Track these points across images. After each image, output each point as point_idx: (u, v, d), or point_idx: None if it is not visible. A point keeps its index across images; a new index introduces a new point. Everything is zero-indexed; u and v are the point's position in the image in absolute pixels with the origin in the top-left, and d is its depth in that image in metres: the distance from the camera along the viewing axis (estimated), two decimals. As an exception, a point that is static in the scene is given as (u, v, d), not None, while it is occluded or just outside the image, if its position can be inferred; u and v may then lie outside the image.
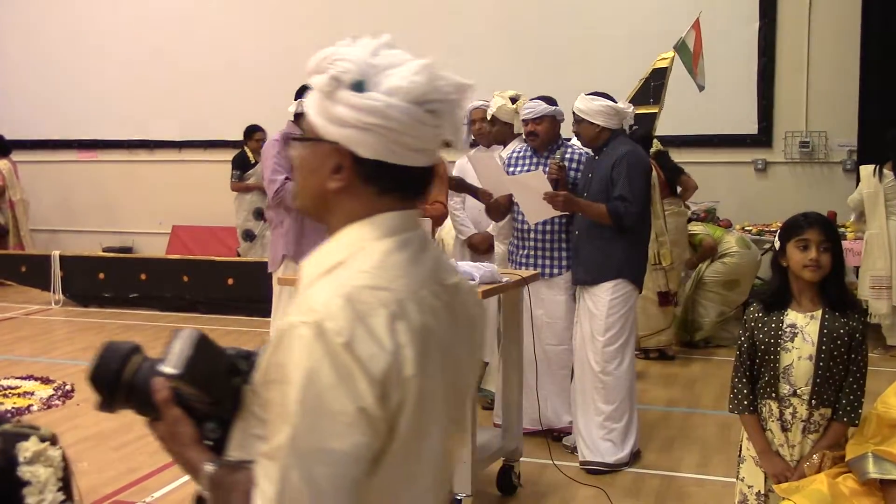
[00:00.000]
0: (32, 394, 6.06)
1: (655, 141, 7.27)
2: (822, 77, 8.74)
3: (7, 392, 6.10)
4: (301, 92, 5.36)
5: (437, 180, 5.00)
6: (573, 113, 4.91)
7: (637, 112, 7.09)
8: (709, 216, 7.94)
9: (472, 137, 6.01)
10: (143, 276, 9.19)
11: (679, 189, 7.32)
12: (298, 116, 5.35)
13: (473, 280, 3.92)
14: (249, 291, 8.36)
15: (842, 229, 7.86)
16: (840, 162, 8.77)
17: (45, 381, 6.41)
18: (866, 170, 7.11)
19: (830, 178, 8.85)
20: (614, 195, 4.70)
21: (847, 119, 8.49)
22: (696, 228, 7.52)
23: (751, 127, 8.92)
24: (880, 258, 7.06)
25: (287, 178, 5.26)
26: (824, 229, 3.01)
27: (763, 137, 8.95)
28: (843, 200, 8.58)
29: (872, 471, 2.74)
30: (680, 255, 7.21)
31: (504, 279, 4.13)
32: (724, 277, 7.47)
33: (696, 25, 7.30)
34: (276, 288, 5.34)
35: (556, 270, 5.06)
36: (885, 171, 6.99)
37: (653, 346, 7.16)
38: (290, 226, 5.35)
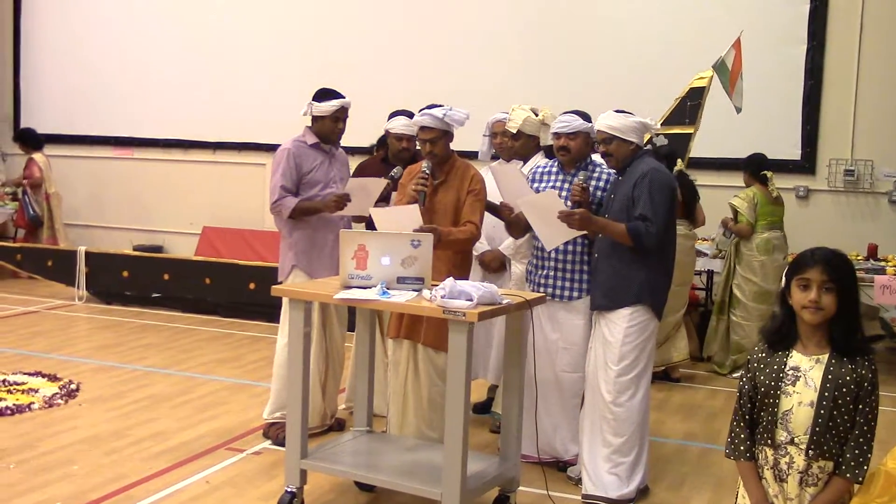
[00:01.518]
0: (37, 391, 5.98)
1: (679, 160, 7.02)
2: (871, 104, 8.42)
3: (11, 388, 6.02)
4: (315, 95, 5.23)
5: (470, 198, 4.73)
6: (600, 132, 4.66)
7: (672, 132, 6.90)
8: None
9: (493, 150, 5.83)
10: (166, 276, 9.14)
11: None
12: (316, 120, 5.22)
13: (471, 300, 3.73)
14: (271, 297, 8.17)
15: (882, 263, 7.54)
16: (886, 193, 8.43)
17: (53, 378, 6.34)
18: None
19: (875, 209, 8.52)
20: (635, 214, 4.47)
21: (895, 148, 8.16)
22: (741, 207, 7.26)
23: (794, 152, 8.62)
24: None
25: (286, 192, 5.13)
26: (829, 268, 2.76)
27: (806, 164, 8.65)
28: (886, 232, 8.29)
29: None
30: (682, 277, 6.95)
31: (505, 300, 3.92)
32: (753, 289, 7.21)
33: (737, 45, 7.06)
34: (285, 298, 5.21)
35: (575, 294, 4.84)
36: None
37: (678, 360, 6.94)
38: (298, 238, 5.24)
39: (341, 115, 5.24)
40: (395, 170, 4.75)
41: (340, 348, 5.47)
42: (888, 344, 7.69)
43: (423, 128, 4.68)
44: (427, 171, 4.67)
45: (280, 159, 5.20)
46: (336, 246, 5.23)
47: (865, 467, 2.72)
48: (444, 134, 4.69)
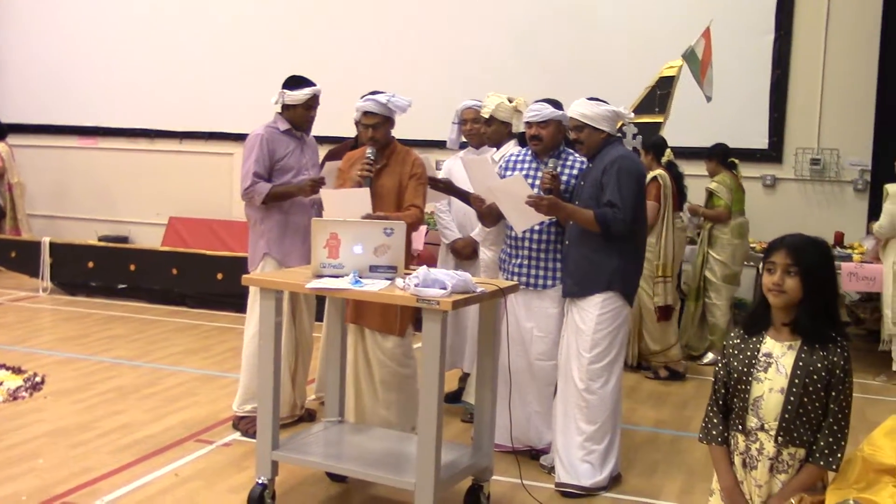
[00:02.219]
0: (1, 384, 5.87)
1: (669, 150, 7.05)
2: (837, 94, 8.49)
3: (-26, 381, 5.91)
4: (285, 83, 5.18)
5: (413, 182, 4.80)
6: (572, 119, 4.65)
7: (642, 121, 6.90)
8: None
9: (463, 138, 5.80)
10: (132, 267, 9.03)
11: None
12: (287, 108, 5.17)
13: (445, 289, 3.70)
14: (239, 287, 8.10)
15: (848, 250, 7.61)
16: (851, 181, 8.51)
17: (17, 370, 6.23)
18: (893, 188, 6.81)
19: (841, 197, 8.60)
20: (603, 201, 4.46)
21: (860, 138, 8.25)
22: (721, 191, 7.30)
23: (761, 141, 8.68)
24: None
25: (259, 178, 5.07)
26: (793, 252, 2.76)
27: (773, 153, 8.71)
28: (852, 220, 8.36)
29: None
30: (676, 269, 7.07)
31: (479, 289, 3.90)
32: (725, 271, 7.29)
33: (707, 34, 7.07)
34: (252, 287, 5.16)
35: (549, 282, 4.82)
36: None
37: (660, 362, 6.93)
38: (269, 225, 5.18)
39: (313, 102, 5.21)
40: (369, 150, 4.71)
41: (309, 338, 5.43)
42: (854, 331, 7.76)
43: (365, 113, 4.72)
44: (371, 157, 4.70)
45: (253, 145, 5.13)
46: (307, 233, 5.20)
47: (839, 455, 2.72)
48: (386, 120, 4.74)
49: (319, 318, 5.52)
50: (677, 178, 7.07)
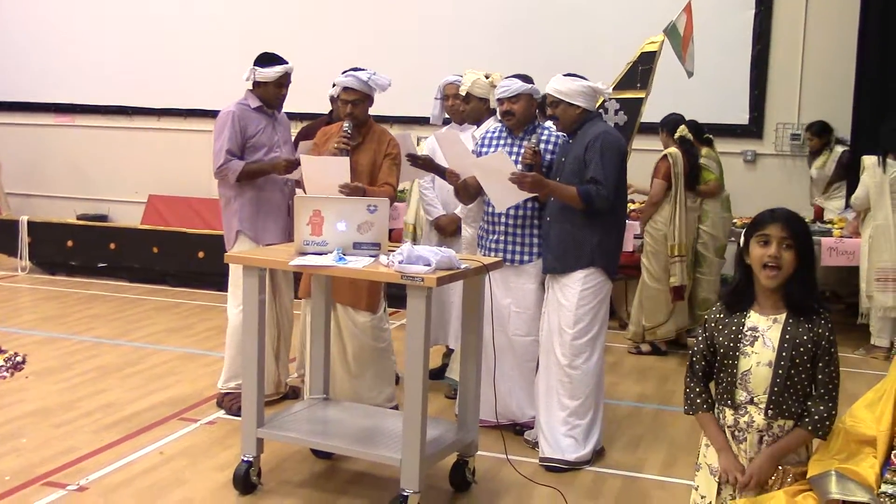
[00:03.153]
0: (-19, 364, 5.84)
1: (683, 126, 7.05)
2: (817, 69, 8.51)
3: (-46, 361, 5.87)
4: (256, 60, 5.14)
5: (387, 161, 4.82)
6: (548, 95, 4.65)
7: (623, 97, 6.88)
8: None
9: (446, 115, 5.78)
10: (112, 246, 8.98)
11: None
12: (259, 85, 5.13)
13: (429, 265, 3.70)
14: (220, 265, 8.05)
15: (828, 226, 7.66)
16: (831, 157, 8.53)
17: (-3, 351, 6.20)
18: (870, 160, 6.88)
19: (820, 173, 8.61)
20: (586, 177, 4.47)
21: (840, 113, 8.25)
22: (711, 166, 7.33)
23: (741, 117, 8.69)
24: (886, 250, 6.85)
25: (232, 156, 5.04)
26: (789, 225, 2.76)
27: (754, 128, 8.72)
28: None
29: (835, 491, 2.52)
30: (712, 242, 7.14)
31: (463, 265, 3.90)
32: (716, 244, 7.32)
33: (688, 9, 7.04)
34: (231, 265, 5.14)
35: (526, 258, 4.83)
36: (889, 160, 6.77)
37: (662, 335, 7.00)
38: (243, 203, 5.17)
39: (284, 80, 5.19)
40: (346, 124, 4.71)
41: (290, 315, 5.43)
42: (836, 306, 7.82)
43: (346, 89, 4.74)
44: (349, 130, 4.72)
45: (224, 122, 5.10)
46: (281, 211, 5.21)
47: (829, 423, 2.74)
48: (365, 97, 4.78)
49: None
50: (691, 156, 7.04)
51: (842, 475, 2.56)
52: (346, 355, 4.79)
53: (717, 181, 7.30)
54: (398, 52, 9.22)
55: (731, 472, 2.82)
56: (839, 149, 8.11)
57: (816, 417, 2.75)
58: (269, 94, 5.17)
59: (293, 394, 5.48)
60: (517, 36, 9.12)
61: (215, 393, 5.38)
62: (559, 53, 8.52)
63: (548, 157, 4.78)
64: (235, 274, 5.12)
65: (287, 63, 5.18)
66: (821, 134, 8.11)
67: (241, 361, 5.07)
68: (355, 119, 4.75)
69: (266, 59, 5.15)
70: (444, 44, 9.27)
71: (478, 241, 5.06)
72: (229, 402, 5.19)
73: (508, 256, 4.83)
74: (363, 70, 4.73)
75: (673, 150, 6.91)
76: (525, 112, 4.83)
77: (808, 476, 2.65)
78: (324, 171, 4.58)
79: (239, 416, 4.87)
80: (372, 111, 4.93)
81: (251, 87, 5.20)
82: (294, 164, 5.06)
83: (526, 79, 4.83)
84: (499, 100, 4.88)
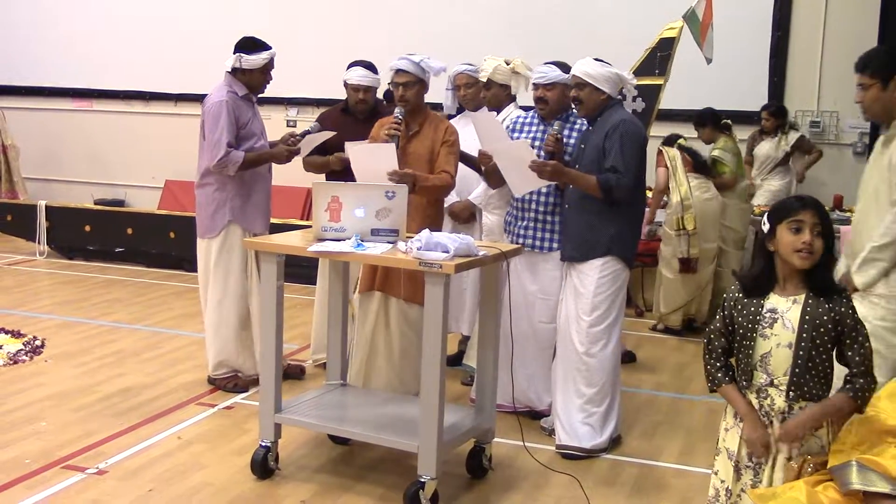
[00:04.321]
0: (0, 347, 5.87)
1: (682, 138, 7.31)
2: (837, 56, 8.43)
3: (-26, 345, 5.92)
4: (240, 46, 5.11)
5: (445, 148, 4.78)
6: (575, 77, 4.61)
7: (642, 83, 6.83)
8: None
9: (458, 104, 5.75)
10: (129, 231, 9.01)
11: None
12: (244, 72, 5.10)
13: (447, 252, 3.69)
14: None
15: (847, 214, 7.59)
16: (850, 144, 8.50)
17: (16, 334, 6.23)
18: None
19: (840, 160, 8.58)
20: (606, 166, 4.44)
21: (860, 101, 8.20)
22: (725, 158, 7.40)
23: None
24: None
25: (230, 147, 5.03)
26: (819, 212, 2.78)
27: (773, 116, 8.66)
28: (851, 183, 8.25)
29: (856, 481, 2.51)
30: (701, 222, 7.08)
31: (481, 252, 3.89)
32: (734, 237, 7.36)
33: (708, -5, 6.99)
34: (210, 253, 5.21)
35: (554, 245, 4.81)
36: None
37: (674, 323, 7.14)
38: (232, 192, 5.16)
39: (270, 66, 5.19)
40: (397, 110, 4.68)
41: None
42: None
43: (398, 71, 4.66)
44: (400, 117, 4.64)
45: (219, 113, 5.03)
46: (266, 200, 5.25)
47: (868, 394, 2.73)
48: (418, 81, 4.67)
49: (309, 281, 5.52)
50: (693, 155, 7.23)
51: (863, 465, 2.54)
52: (391, 348, 4.67)
53: (732, 174, 7.32)
54: (401, 39, 9.19)
55: (758, 442, 2.81)
56: (794, 133, 8.22)
57: (857, 386, 2.74)
58: (255, 81, 5.16)
59: (297, 372, 5.53)
60: (529, 22, 9.06)
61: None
62: (574, 40, 8.46)
63: (573, 143, 4.75)
64: (216, 260, 5.18)
65: (271, 48, 5.16)
66: (777, 115, 8.21)
67: (232, 347, 5.20)
68: (406, 104, 4.66)
69: (250, 46, 5.12)
70: (449, 31, 9.22)
71: (505, 227, 5.04)
72: (223, 382, 5.23)
73: (537, 243, 4.82)
74: (415, 54, 4.69)
75: (671, 150, 7.04)
76: (559, 101, 4.81)
77: (828, 466, 2.64)
78: (372, 159, 4.51)
79: (237, 391, 5.13)
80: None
81: (230, 72, 5.14)
82: (294, 153, 5.09)
83: (563, 67, 4.78)
84: (534, 85, 4.86)
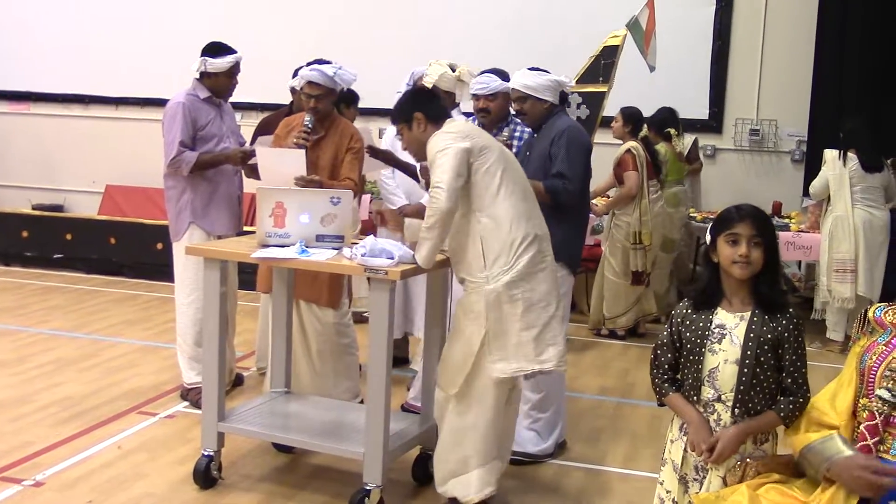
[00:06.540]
0: (-67, 356, 5.72)
1: (645, 127, 7.37)
2: (776, 65, 8.61)
3: None
4: (206, 50, 5.09)
5: (349, 155, 4.77)
6: (514, 91, 4.64)
7: (586, 91, 6.91)
8: None
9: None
10: (68, 236, 8.86)
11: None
12: (209, 76, 5.07)
13: (392, 258, 3.68)
14: (179, 257, 8.07)
15: (786, 220, 7.76)
16: (789, 152, 8.66)
17: (-50, 343, 6.08)
18: (831, 154, 7.00)
19: (778, 168, 8.74)
20: (553, 172, 4.47)
21: (798, 109, 8.38)
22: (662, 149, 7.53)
23: (701, 112, 8.76)
24: (845, 241, 6.92)
25: (184, 147, 4.98)
26: (756, 223, 2.78)
27: (713, 123, 8.80)
28: (789, 190, 8.51)
29: (844, 448, 2.49)
30: (657, 237, 7.24)
31: (427, 258, 3.88)
32: (661, 240, 7.43)
33: (651, 4, 7.09)
34: (180, 256, 5.11)
35: None
36: (850, 154, 6.87)
37: (622, 325, 7.22)
38: (194, 195, 5.12)
39: (235, 70, 5.17)
40: (307, 118, 4.66)
41: (235, 305, 5.46)
42: (792, 299, 7.94)
43: (310, 83, 4.65)
44: (309, 125, 4.65)
45: (175, 114, 5.03)
46: (232, 201, 5.20)
47: (797, 413, 2.75)
48: (329, 91, 4.69)
49: (254, 287, 5.49)
50: (651, 151, 7.27)
51: (844, 437, 2.55)
52: (309, 352, 4.75)
53: (665, 179, 7.46)
54: (376, 42, 9.17)
55: (700, 444, 2.80)
56: (689, 138, 8.27)
57: (783, 406, 2.76)
58: (220, 85, 5.14)
59: (238, 381, 5.49)
60: (476, 31, 9.08)
61: (175, 386, 5.33)
62: (519, 47, 8.49)
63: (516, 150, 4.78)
64: (184, 264, 5.09)
65: (236, 52, 5.15)
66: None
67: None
68: (318, 113, 4.69)
69: (215, 50, 5.11)
70: (407, 30, 9.21)
71: None
72: (195, 396, 5.14)
73: None
74: (328, 63, 4.67)
75: (634, 143, 7.04)
76: (501, 110, 4.84)
77: (797, 448, 2.63)
78: (280, 164, 4.51)
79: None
80: (361, 105, 4.84)
81: (198, 77, 5.13)
82: (249, 155, 5.04)
83: (503, 75, 4.81)
84: (475, 96, 4.86)
